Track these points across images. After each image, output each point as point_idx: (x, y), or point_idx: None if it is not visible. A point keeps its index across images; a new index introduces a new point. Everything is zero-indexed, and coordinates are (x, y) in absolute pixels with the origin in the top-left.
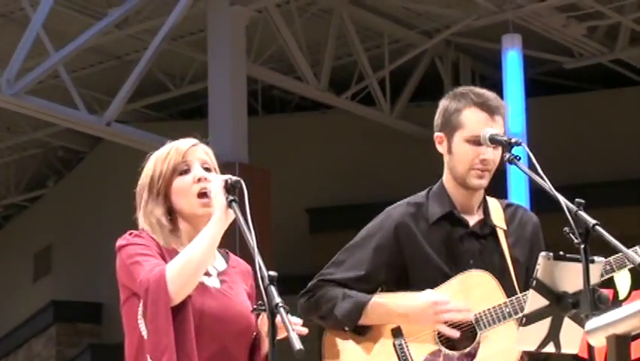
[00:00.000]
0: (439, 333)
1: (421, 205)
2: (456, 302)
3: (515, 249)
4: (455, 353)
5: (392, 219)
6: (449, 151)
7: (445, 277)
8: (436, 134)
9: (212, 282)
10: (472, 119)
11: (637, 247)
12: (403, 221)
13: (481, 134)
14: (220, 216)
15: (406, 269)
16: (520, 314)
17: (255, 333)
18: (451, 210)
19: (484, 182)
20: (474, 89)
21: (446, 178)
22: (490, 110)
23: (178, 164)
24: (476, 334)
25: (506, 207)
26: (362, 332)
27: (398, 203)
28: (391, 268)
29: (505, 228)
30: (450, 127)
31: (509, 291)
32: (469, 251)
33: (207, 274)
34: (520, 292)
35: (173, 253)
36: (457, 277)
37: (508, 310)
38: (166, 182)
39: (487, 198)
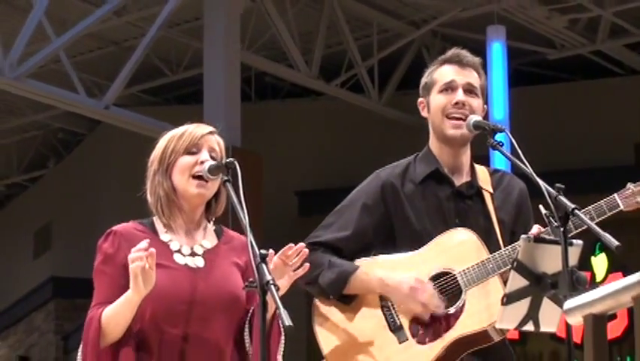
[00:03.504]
0: None
1: (407, 167)
2: (432, 296)
3: (501, 211)
4: (442, 312)
5: (379, 179)
6: (429, 110)
7: (429, 237)
8: (419, 100)
9: (197, 261)
10: (442, 73)
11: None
12: (389, 181)
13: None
14: (133, 295)
15: (393, 229)
16: (504, 268)
17: (248, 308)
18: (437, 167)
19: (461, 132)
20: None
21: (431, 141)
22: (459, 62)
23: (190, 146)
24: (462, 292)
25: (493, 173)
26: (349, 297)
27: (386, 166)
28: (378, 228)
29: (491, 191)
30: (427, 89)
31: (494, 250)
32: (455, 210)
33: (192, 254)
34: None
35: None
36: (441, 236)
37: (491, 265)
38: (175, 159)
39: (475, 165)
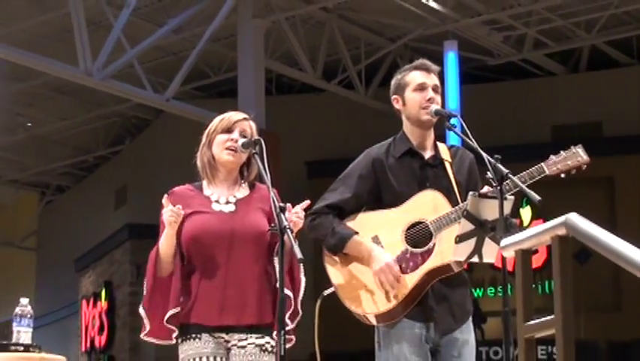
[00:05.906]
0: (406, 237)
1: (389, 146)
2: (396, 274)
3: (458, 175)
4: (418, 250)
5: (370, 156)
6: (404, 104)
7: (407, 197)
8: (393, 97)
9: (229, 208)
10: (415, 76)
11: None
12: (378, 157)
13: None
14: (168, 230)
15: (380, 192)
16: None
17: (272, 242)
18: (410, 147)
19: (431, 117)
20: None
21: (405, 126)
22: (427, 69)
23: (227, 127)
24: (432, 236)
25: (450, 147)
26: None
27: (374, 145)
28: (370, 192)
29: (450, 160)
30: (401, 88)
31: (454, 204)
32: (426, 176)
33: (227, 202)
34: None
35: (197, 199)
36: (416, 195)
37: (453, 216)
38: (215, 136)
39: (438, 142)
